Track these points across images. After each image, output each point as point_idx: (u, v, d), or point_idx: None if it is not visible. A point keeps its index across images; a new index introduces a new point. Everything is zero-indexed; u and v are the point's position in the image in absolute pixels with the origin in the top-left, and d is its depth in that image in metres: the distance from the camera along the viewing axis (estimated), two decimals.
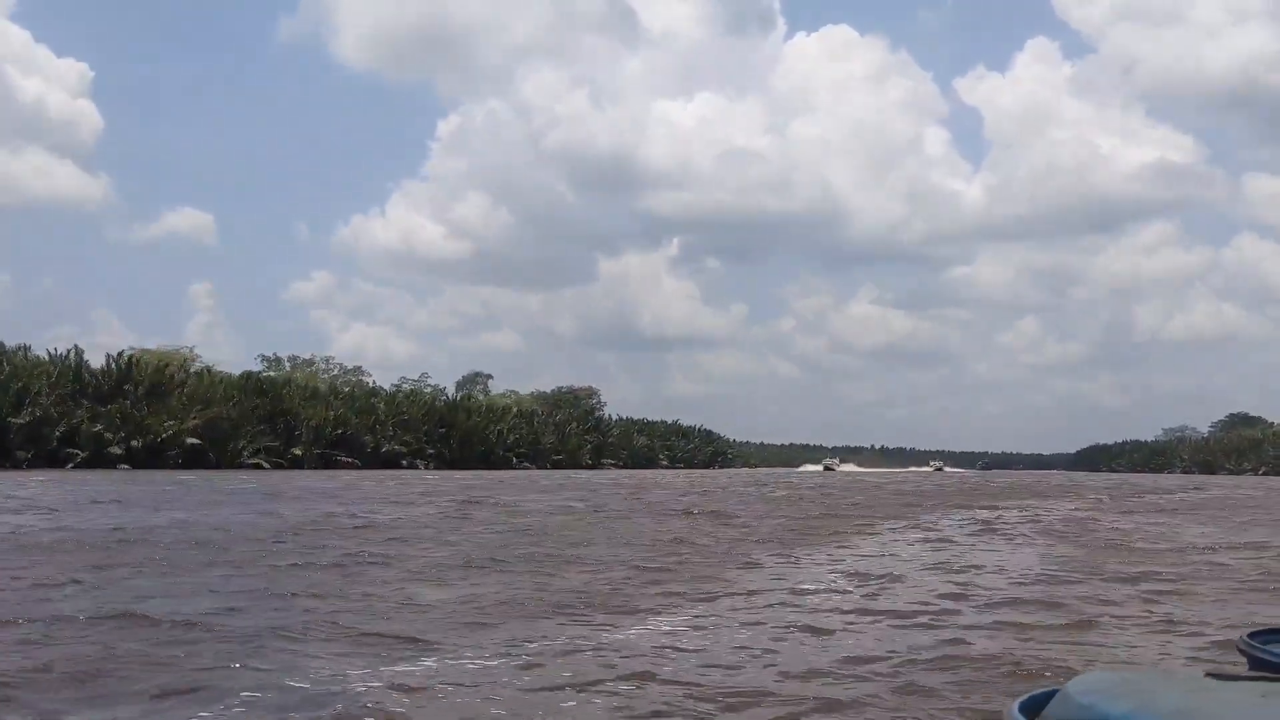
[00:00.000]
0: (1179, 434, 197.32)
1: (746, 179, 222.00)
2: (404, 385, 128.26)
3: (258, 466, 79.07)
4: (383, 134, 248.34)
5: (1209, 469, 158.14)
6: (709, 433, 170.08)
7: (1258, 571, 13.56)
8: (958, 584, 11.79)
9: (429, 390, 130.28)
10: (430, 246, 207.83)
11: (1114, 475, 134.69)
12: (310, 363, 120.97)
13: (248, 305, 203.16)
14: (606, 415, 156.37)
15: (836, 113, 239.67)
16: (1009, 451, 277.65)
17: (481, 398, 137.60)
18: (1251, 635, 2.98)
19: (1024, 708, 2.03)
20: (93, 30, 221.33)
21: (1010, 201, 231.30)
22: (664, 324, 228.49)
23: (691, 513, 23.60)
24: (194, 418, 75.08)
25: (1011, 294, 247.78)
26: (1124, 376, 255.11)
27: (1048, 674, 6.98)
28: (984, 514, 25.55)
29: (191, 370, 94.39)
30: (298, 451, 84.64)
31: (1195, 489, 53.51)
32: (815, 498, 35.06)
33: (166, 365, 79.83)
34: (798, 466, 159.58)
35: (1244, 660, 2.93)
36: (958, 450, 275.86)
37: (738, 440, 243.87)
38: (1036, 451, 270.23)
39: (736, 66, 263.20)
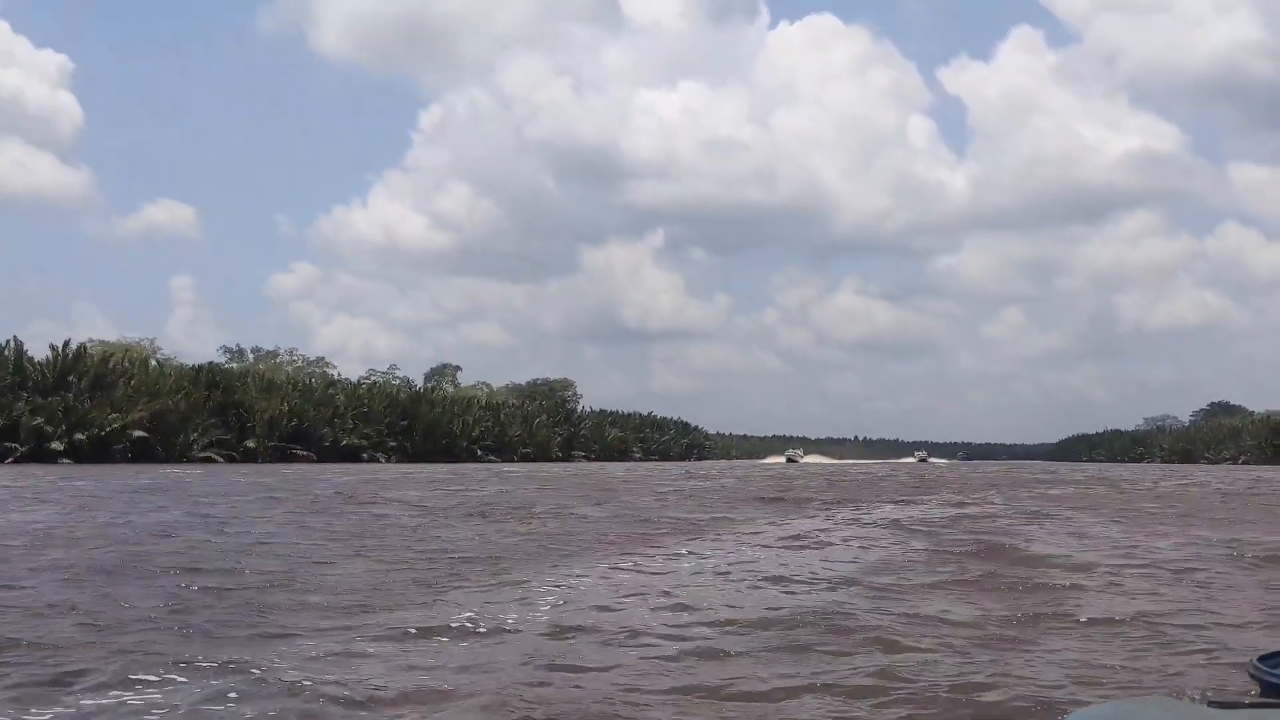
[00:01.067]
0: (1160, 423, 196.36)
1: (731, 170, 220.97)
2: (372, 378, 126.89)
3: (209, 460, 77.40)
4: (364, 125, 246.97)
5: (1188, 458, 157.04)
6: (685, 425, 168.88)
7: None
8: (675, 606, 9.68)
9: (396, 382, 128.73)
10: (413, 238, 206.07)
11: (1087, 466, 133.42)
12: (274, 354, 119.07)
13: (229, 298, 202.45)
14: (581, 408, 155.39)
15: (820, 103, 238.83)
16: (993, 442, 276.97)
17: (450, 390, 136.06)
18: (1262, 659, 2.91)
19: None
20: (72, 22, 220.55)
21: (994, 192, 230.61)
22: (648, 316, 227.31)
23: (536, 516, 20.75)
24: (139, 410, 73.15)
25: (996, 284, 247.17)
26: (1108, 366, 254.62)
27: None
28: (881, 510, 23.85)
29: (151, 362, 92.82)
30: (251, 444, 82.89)
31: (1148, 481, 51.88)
32: (722, 492, 33.26)
33: (110, 357, 77.62)
34: (764, 458, 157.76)
35: (1255, 684, 2.82)
36: (943, 441, 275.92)
37: (721, 433, 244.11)
38: (1021, 442, 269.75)
39: (720, 56, 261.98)
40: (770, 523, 19.38)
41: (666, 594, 9.71)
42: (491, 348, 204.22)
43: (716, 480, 44.52)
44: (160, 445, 75.39)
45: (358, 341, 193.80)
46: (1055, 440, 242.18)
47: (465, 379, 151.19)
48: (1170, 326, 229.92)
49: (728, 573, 11.32)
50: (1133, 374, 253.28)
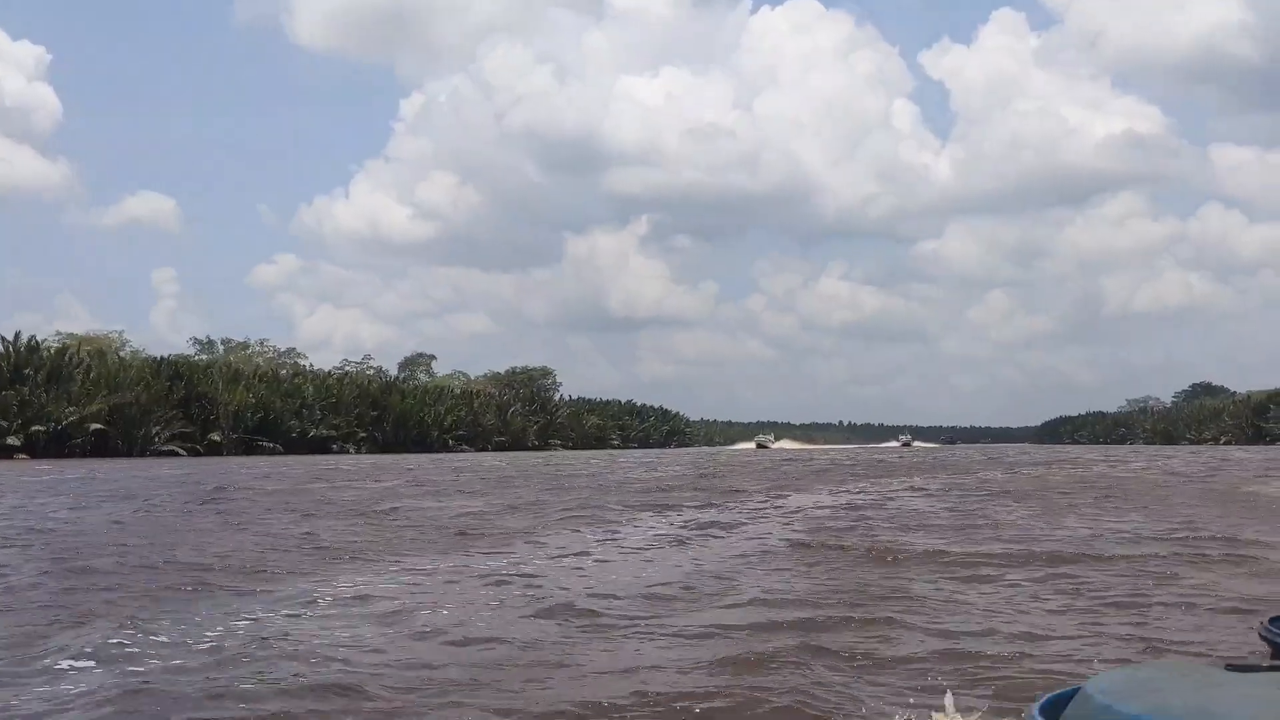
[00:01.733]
0: (1142, 405, 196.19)
1: (715, 156, 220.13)
2: (345, 367, 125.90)
3: (171, 454, 76.49)
4: (344, 115, 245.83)
5: (1170, 439, 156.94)
6: (665, 412, 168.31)
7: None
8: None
9: (371, 372, 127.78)
10: (396, 228, 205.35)
11: (1069, 448, 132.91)
12: (245, 346, 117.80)
13: (211, 290, 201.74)
14: (560, 396, 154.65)
15: (804, 88, 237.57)
16: (978, 425, 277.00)
17: (424, 379, 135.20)
18: (1273, 621, 2.88)
19: (1044, 709, 2.05)
20: (50, 13, 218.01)
21: (978, 176, 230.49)
22: (634, 304, 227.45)
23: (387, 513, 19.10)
24: (97, 404, 72.18)
25: (980, 268, 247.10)
26: (1093, 349, 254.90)
27: None
28: (780, 499, 22.96)
29: (113, 355, 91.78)
30: (216, 437, 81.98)
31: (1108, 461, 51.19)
32: (645, 483, 32.29)
33: (68, 349, 76.51)
34: (734, 444, 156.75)
35: (1266, 646, 2.85)
36: (929, 425, 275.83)
37: (706, 419, 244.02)
38: (1006, 425, 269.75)
39: (702, 41, 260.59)
40: (635, 521, 18.50)
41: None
42: (478, 337, 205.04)
43: (664, 469, 43.55)
44: (120, 439, 74.52)
45: (342, 332, 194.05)
46: (1039, 423, 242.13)
47: (451, 368, 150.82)
48: (1155, 309, 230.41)
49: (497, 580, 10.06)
50: (1118, 356, 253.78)
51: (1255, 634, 2.99)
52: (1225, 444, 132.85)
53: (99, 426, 71.74)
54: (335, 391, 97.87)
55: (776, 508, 19.99)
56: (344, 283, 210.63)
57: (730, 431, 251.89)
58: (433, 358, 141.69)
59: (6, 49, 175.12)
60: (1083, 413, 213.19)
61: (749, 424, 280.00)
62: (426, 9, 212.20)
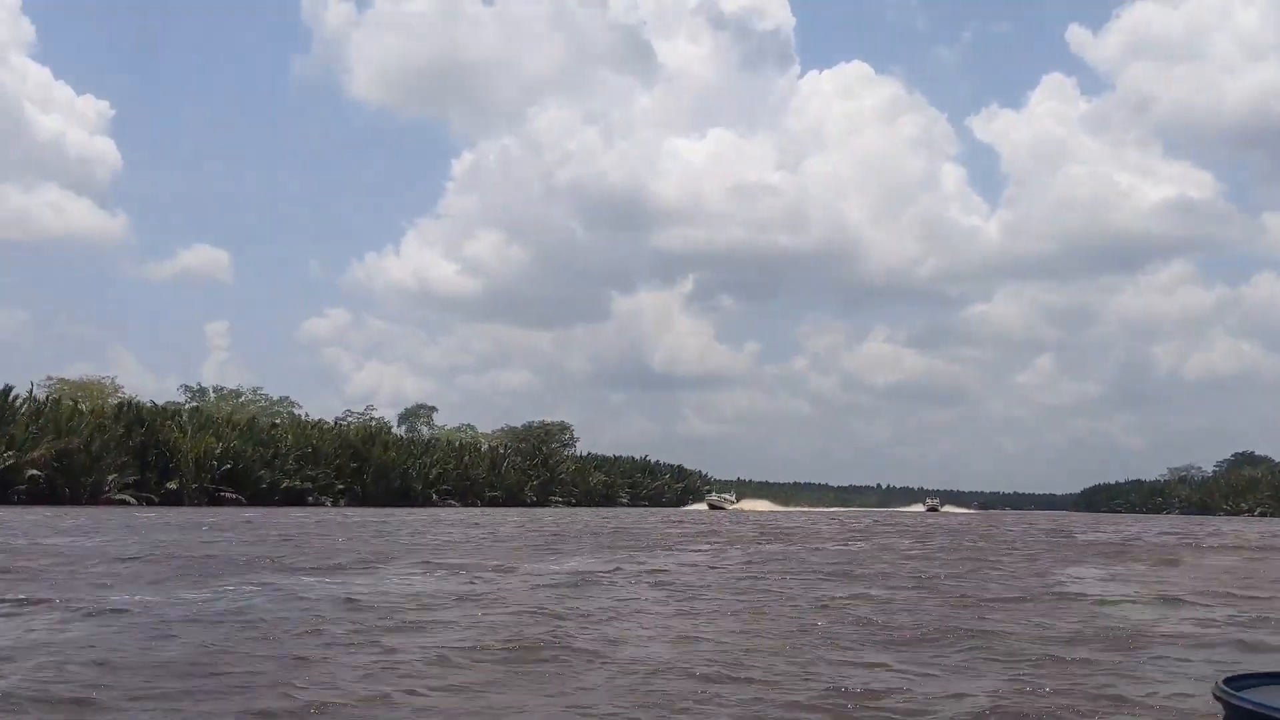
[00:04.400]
0: (1184, 473, 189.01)
1: (760, 215, 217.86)
2: (349, 418, 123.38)
3: (122, 503, 73.67)
4: (397, 171, 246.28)
5: (1206, 509, 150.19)
6: (681, 469, 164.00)
7: None
8: None
9: (372, 423, 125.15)
10: (443, 284, 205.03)
11: (1103, 517, 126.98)
12: (237, 394, 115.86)
13: (263, 343, 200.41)
14: (574, 452, 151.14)
15: (850, 149, 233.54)
16: (1022, 491, 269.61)
17: (425, 431, 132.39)
18: (1227, 681, 2.99)
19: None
20: (112, 69, 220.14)
21: (1026, 239, 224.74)
22: (676, 362, 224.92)
23: None
24: (40, 449, 69.52)
25: (1027, 332, 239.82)
26: (1140, 416, 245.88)
27: None
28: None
29: (112, 402, 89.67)
30: (173, 486, 79.07)
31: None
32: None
33: (9, 391, 74.02)
34: (686, 505, 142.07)
35: (1220, 708, 2.93)
36: (969, 490, 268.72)
37: (741, 479, 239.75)
38: (1049, 491, 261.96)
39: (750, 104, 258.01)
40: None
41: None
42: (520, 393, 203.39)
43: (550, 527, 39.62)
44: (67, 486, 71.84)
45: (389, 386, 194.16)
46: (1079, 489, 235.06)
47: (487, 424, 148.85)
48: (1204, 376, 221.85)
49: None
50: (1165, 424, 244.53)
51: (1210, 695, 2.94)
52: (1260, 515, 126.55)
53: (35, 473, 68.80)
54: (314, 441, 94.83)
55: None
56: (390, 337, 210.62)
57: (763, 492, 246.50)
58: (433, 409, 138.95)
59: (71, 102, 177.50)
60: (1123, 481, 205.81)
61: (782, 484, 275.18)
62: (480, 68, 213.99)
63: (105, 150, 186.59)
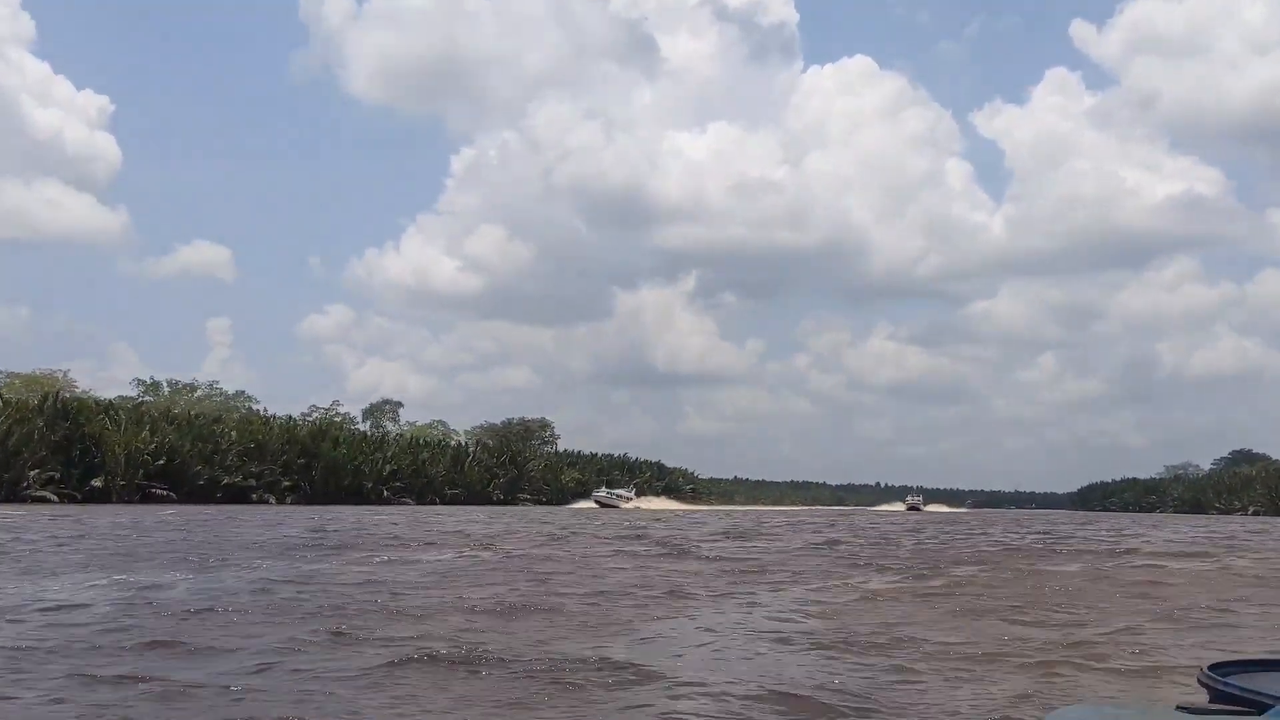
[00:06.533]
0: (1180, 471, 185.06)
1: (763, 212, 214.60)
2: (313, 414, 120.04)
3: (43, 500, 70.38)
4: (396, 167, 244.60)
5: (1199, 508, 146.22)
6: (662, 466, 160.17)
7: None
8: None
9: (338, 417, 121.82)
10: (443, 281, 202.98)
11: (1098, 516, 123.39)
12: (192, 388, 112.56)
13: (264, 340, 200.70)
14: (554, 450, 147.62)
15: (853, 145, 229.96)
16: (1023, 490, 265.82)
17: (391, 426, 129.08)
18: (1212, 668, 3.04)
19: None
20: (112, 64, 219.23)
21: (1030, 236, 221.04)
22: (679, 360, 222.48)
23: None
24: None
25: (1030, 330, 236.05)
26: (1144, 413, 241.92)
27: None
28: None
29: (63, 397, 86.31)
30: (98, 483, 75.70)
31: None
32: None
33: None
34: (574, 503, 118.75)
35: (1205, 692, 2.98)
36: (969, 488, 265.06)
37: (739, 477, 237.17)
38: (1051, 490, 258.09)
39: (752, 98, 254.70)
40: None
41: None
42: (521, 391, 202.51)
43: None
44: None
45: (390, 384, 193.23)
46: (1076, 488, 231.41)
47: (477, 420, 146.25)
48: (1208, 374, 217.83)
49: None
50: (1169, 421, 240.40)
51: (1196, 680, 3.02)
52: (1253, 514, 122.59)
53: None
54: (259, 436, 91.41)
55: None
56: (392, 335, 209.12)
57: (760, 491, 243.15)
58: (399, 404, 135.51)
59: (71, 98, 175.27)
60: (1118, 479, 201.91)
61: (780, 483, 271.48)
62: (478, 63, 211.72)
63: (105, 146, 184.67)
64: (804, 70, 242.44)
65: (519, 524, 44.70)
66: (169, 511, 54.99)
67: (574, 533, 35.48)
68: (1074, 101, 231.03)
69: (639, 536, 32.30)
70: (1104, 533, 43.32)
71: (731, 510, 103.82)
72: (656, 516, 67.68)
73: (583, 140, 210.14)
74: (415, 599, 13.17)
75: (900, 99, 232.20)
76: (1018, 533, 42.00)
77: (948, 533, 41.63)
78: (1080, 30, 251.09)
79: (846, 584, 16.04)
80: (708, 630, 10.92)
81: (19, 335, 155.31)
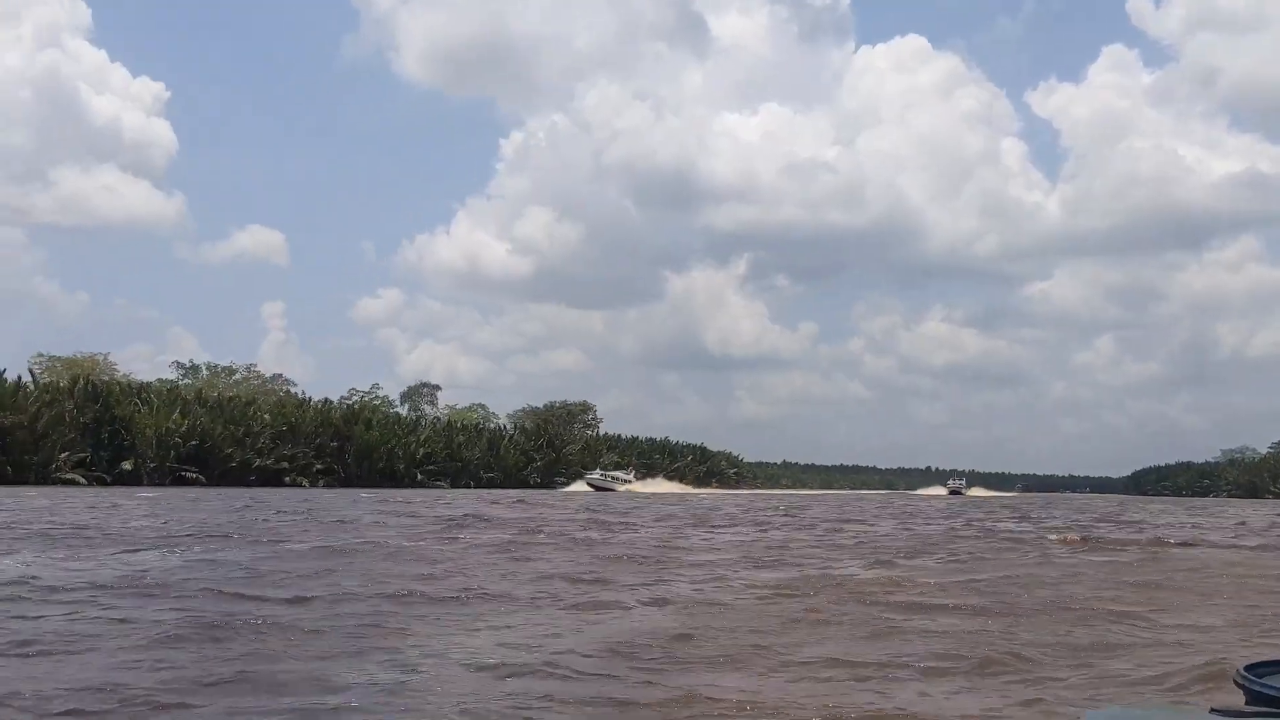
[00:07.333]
0: (1237, 455, 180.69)
1: (815, 193, 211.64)
2: (355, 397, 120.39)
3: (71, 483, 70.90)
4: (446, 151, 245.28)
5: (1254, 492, 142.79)
6: (704, 450, 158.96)
7: None
8: None
9: (377, 400, 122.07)
10: (494, 264, 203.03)
11: (1150, 501, 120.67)
12: (231, 370, 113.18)
13: (318, 324, 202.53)
14: (596, 433, 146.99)
15: (907, 125, 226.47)
16: (1077, 474, 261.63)
17: (430, 410, 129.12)
18: (1248, 668, 2.92)
19: None
20: (168, 50, 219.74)
21: (1088, 215, 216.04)
22: (730, 343, 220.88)
23: None
24: None
25: (1088, 311, 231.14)
26: (1203, 396, 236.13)
27: None
28: None
29: (95, 380, 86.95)
30: (127, 466, 76.20)
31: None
32: None
33: None
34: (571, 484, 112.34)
35: (1241, 694, 2.88)
36: (1022, 473, 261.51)
37: (788, 462, 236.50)
38: (1105, 475, 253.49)
39: (804, 79, 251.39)
40: None
41: None
42: (571, 374, 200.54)
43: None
44: (9, 465, 69.13)
45: (441, 367, 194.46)
46: (1129, 473, 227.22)
47: (520, 403, 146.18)
48: (1270, 355, 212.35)
49: None
50: (1229, 404, 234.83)
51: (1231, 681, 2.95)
52: None
53: None
54: (292, 419, 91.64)
55: None
56: (443, 318, 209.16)
57: (808, 475, 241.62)
58: (437, 388, 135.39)
59: (127, 85, 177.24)
60: (1172, 463, 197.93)
61: (829, 467, 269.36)
62: (527, 45, 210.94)
63: (161, 132, 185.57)
64: (856, 50, 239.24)
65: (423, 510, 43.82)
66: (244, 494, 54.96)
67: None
68: (1132, 79, 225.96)
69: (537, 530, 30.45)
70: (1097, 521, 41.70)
71: (757, 494, 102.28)
72: (635, 501, 62.17)
73: (632, 122, 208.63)
74: None
75: (954, 78, 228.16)
76: (1014, 517, 40.53)
77: (949, 518, 40.23)
78: (1138, 6, 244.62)
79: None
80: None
81: (81, 321, 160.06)
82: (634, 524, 30.73)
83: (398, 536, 22.18)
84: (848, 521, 35.19)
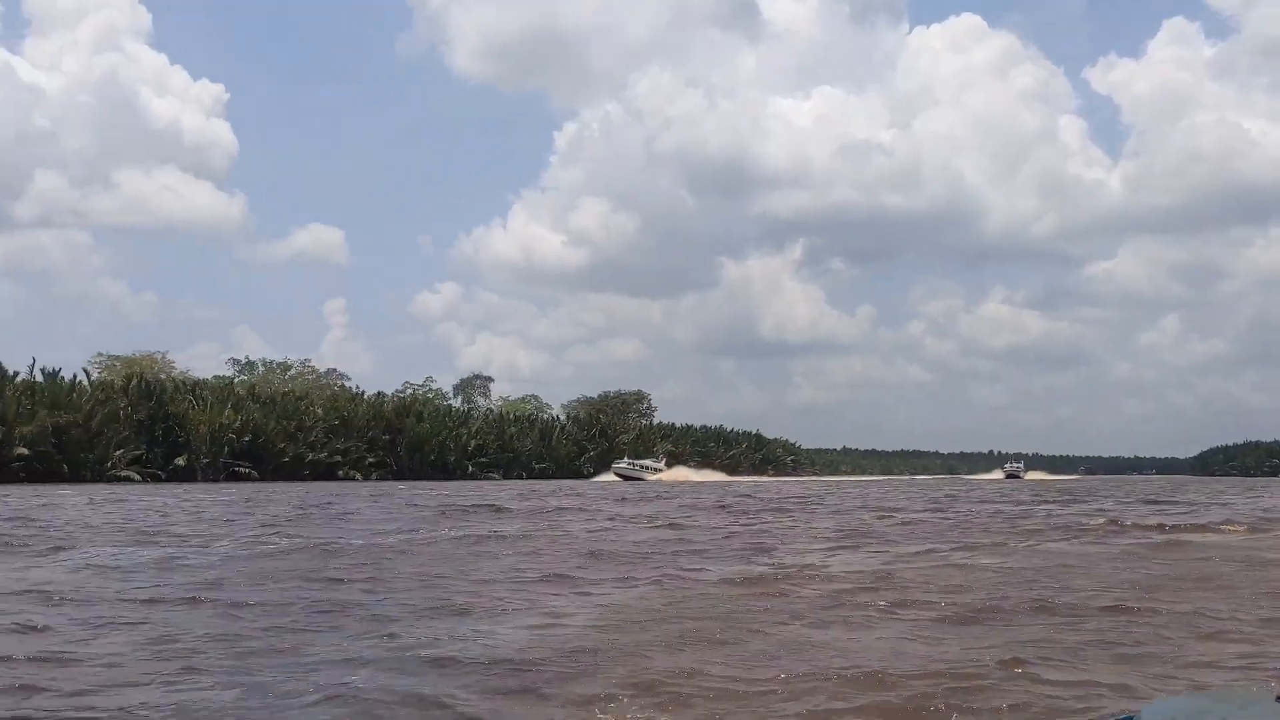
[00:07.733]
0: None
1: (870, 176, 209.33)
2: (409, 390, 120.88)
3: (126, 480, 71.67)
4: (501, 145, 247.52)
5: None
6: (760, 438, 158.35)
7: None
8: None
9: (430, 394, 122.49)
10: (550, 256, 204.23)
11: (1209, 481, 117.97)
12: (286, 366, 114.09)
13: (378, 320, 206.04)
14: (650, 422, 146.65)
15: (963, 105, 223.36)
16: (1143, 455, 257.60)
17: (483, 401, 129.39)
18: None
19: None
20: (226, 53, 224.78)
21: (1150, 192, 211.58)
22: (787, 329, 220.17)
23: None
24: (27, 425, 67.61)
25: (1152, 289, 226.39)
26: (1272, 374, 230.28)
27: None
28: None
29: (149, 378, 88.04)
30: (181, 462, 76.94)
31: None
32: None
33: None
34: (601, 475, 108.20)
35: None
36: (1086, 455, 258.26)
37: (848, 448, 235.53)
38: (1172, 455, 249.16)
39: (857, 61, 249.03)
40: None
41: None
42: (629, 364, 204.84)
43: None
44: (66, 463, 70.03)
45: (501, 360, 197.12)
46: (1196, 453, 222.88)
47: (579, 394, 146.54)
48: None
49: None
50: None
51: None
52: None
53: (23, 451, 66.85)
54: (345, 413, 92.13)
55: None
56: (501, 311, 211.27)
57: (868, 460, 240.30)
58: (490, 379, 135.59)
59: (187, 87, 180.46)
60: (1238, 443, 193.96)
61: (889, 452, 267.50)
62: (579, 36, 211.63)
63: (221, 133, 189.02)
64: (910, 31, 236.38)
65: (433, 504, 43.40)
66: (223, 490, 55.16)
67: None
68: (1193, 52, 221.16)
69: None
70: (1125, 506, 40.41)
71: (813, 480, 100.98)
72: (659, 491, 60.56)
73: (685, 109, 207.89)
74: None
75: (1010, 56, 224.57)
76: (1028, 502, 39.36)
77: (981, 505, 39.15)
78: None
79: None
80: None
81: (149, 321, 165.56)
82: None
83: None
84: (866, 509, 34.32)
